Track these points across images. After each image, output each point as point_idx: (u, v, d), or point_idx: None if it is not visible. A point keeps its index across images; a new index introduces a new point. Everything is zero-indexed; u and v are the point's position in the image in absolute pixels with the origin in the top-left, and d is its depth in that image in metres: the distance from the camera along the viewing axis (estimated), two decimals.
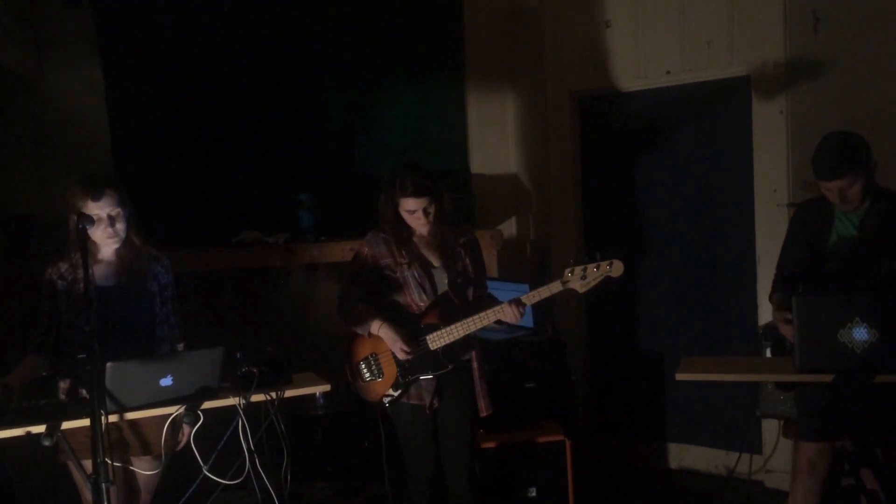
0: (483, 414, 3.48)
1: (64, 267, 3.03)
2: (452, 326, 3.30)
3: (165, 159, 4.77)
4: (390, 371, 3.38)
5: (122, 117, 4.71)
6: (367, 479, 4.36)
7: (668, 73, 4.75)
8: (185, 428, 3.00)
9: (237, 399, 2.96)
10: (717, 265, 4.74)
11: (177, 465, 3.06)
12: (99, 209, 2.94)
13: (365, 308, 3.36)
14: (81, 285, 2.80)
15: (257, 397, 3.01)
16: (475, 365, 3.47)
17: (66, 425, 2.71)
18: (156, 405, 2.83)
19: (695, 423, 4.88)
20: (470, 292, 3.45)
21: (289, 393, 3.10)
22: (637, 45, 4.85)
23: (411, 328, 3.33)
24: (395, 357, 3.34)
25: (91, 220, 2.87)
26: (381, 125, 5.17)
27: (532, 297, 3.25)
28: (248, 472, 2.99)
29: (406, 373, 3.35)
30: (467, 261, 3.45)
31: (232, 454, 3.00)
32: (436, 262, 3.42)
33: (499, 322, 3.27)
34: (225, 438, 2.98)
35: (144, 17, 4.68)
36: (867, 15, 4.13)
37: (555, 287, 3.20)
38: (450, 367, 3.34)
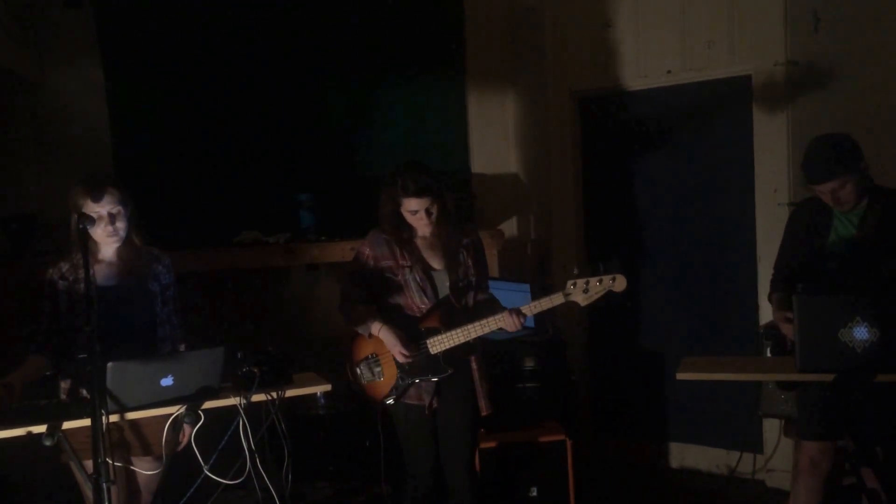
0: (484, 413, 3.47)
1: (65, 267, 3.03)
2: (453, 332, 3.28)
3: (166, 159, 4.76)
4: (391, 372, 3.37)
5: (123, 117, 4.70)
6: (368, 478, 4.35)
7: (669, 72, 4.75)
8: (186, 428, 2.99)
9: (238, 399, 2.95)
10: (717, 264, 4.74)
11: (178, 465, 3.06)
12: (100, 207, 2.93)
13: (365, 308, 3.34)
14: (82, 285, 2.80)
15: (258, 397, 3.00)
16: (476, 365, 3.45)
17: (67, 425, 2.71)
18: (157, 405, 2.82)
19: (696, 422, 4.88)
20: (471, 296, 3.43)
21: (289, 393, 3.09)
22: (638, 44, 4.85)
23: (412, 331, 3.32)
24: (395, 358, 3.33)
25: (92, 221, 2.87)
26: (381, 125, 5.17)
27: (533, 307, 3.24)
28: (249, 471, 2.99)
29: (406, 375, 3.34)
30: (470, 262, 3.41)
31: (233, 454, 3.00)
32: (437, 265, 3.40)
33: (499, 329, 3.27)
34: (226, 438, 2.98)
35: (144, 17, 4.68)
36: (867, 15, 4.13)
37: (557, 299, 3.19)
38: (450, 371, 3.32)
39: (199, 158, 4.81)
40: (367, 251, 3.41)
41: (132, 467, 3.03)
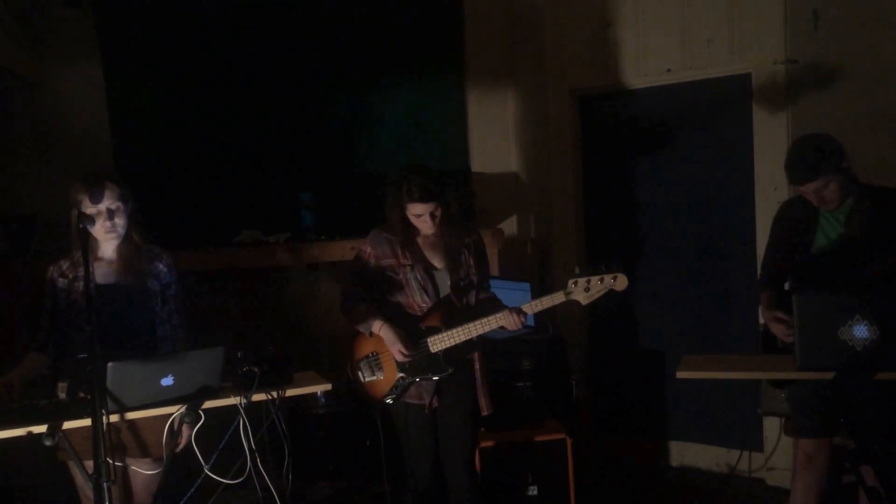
0: (484, 413, 3.48)
1: (65, 265, 3.03)
2: (454, 330, 3.29)
3: (166, 159, 4.76)
4: (391, 371, 3.38)
5: (123, 117, 4.70)
6: (369, 477, 4.36)
7: (669, 71, 4.75)
8: (186, 428, 2.99)
9: (238, 398, 2.95)
10: (717, 263, 4.74)
11: (178, 465, 3.06)
12: (99, 206, 2.93)
13: (366, 307, 3.35)
14: (82, 283, 2.80)
15: (258, 396, 3.00)
16: (477, 364, 3.46)
17: (67, 425, 2.71)
18: (157, 405, 2.82)
19: (696, 420, 4.88)
20: (472, 295, 3.44)
21: (290, 392, 3.09)
22: (637, 43, 4.84)
23: (412, 330, 3.32)
24: (395, 357, 3.34)
25: (92, 221, 2.86)
26: (381, 124, 5.17)
27: (534, 306, 3.26)
28: (250, 471, 2.99)
29: (407, 374, 3.35)
30: (471, 262, 3.43)
31: (233, 453, 3.00)
32: (438, 265, 3.41)
33: (500, 327, 3.28)
34: (226, 438, 2.98)
35: (144, 17, 4.68)
36: (867, 14, 4.13)
37: (558, 297, 3.21)
38: (451, 370, 3.33)
39: (200, 158, 4.81)
40: (369, 250, 3.42)
41: (132, 467, 3.03)
